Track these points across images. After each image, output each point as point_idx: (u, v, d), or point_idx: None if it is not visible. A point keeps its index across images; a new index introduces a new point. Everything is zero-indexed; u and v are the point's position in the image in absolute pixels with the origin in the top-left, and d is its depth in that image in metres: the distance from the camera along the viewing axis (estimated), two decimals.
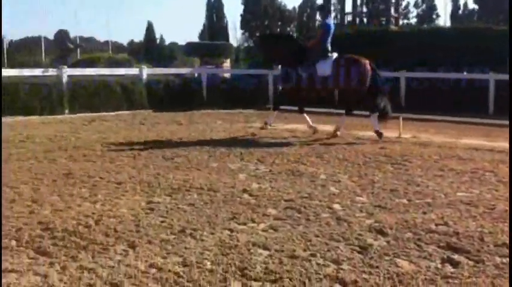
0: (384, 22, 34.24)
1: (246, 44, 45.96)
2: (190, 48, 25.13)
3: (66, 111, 12.94)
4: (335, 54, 9.67)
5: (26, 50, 30.00)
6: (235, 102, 14.90)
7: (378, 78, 9.71)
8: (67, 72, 13.69)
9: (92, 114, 13.02)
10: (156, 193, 5.38)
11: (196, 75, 17.43)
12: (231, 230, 4.20)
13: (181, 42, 39.13)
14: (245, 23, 47.39)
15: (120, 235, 4.05)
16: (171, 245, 3.82)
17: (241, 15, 47.52)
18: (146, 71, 15.16)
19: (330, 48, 9.71)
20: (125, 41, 46.61)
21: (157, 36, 45.79)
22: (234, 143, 8.66)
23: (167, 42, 46.96)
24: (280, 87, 11.35)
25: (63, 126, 10.85)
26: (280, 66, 11.07)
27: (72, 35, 28.73)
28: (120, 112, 13.60)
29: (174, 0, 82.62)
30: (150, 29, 44.00)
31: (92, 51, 30.73)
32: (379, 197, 5.33)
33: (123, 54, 31.10)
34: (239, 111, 14.37)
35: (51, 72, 13.85)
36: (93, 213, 4.64)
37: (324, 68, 9.52)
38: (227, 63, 23.21)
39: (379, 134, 9.39)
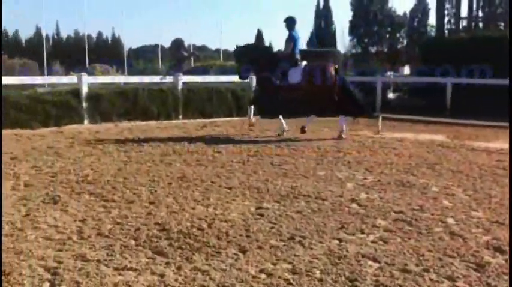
0: (501, 27, 32.23)
1: (353, 51, 45.34)
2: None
3: (180, 116, 13.55)
4: (304, 63, 10.84)
5: (143, 58, 31.87)
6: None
7: (346, 82, 10.88)
8: (182, 79, 14.35)
9: (203, 120, 13.54)
10: (265, 199, 5.49)
11: None
12: (340, 240, 4.19)
13: None
14: (353, 29, 46.78)
15: (231, 238, 4.19)
16: (280, 252, 3.89)
17: (350, 21, 46.99)
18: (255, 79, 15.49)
19: (298, 57, 10.78)
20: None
21: (266, 43, 46.63)
22: (340, 151, 8.61)
23: (275, 49, 47.68)
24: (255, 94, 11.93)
25: (178, 131, 11.37)
26: (254, 75, 11.84)
27: (186, 43, 30.09)
28: (230, 118, 14.01)
29: (284, 9, 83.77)
30: (259, 36, 44.92)
31: (204, 59, 31.95)
32: (496, 212, 5.05)
33: (233, 62, 31.99)
34: (346, 119, 14.18)
35: (168, 79, 14.59)
36: (206, 216, 4.83)
37: (295, 75, 10.57)
38: None
39: (340, 137, 10.35)
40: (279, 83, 10.67)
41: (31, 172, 6.77)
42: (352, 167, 7.31)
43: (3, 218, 4.73)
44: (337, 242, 4.15)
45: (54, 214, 4.93)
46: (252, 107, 11.49)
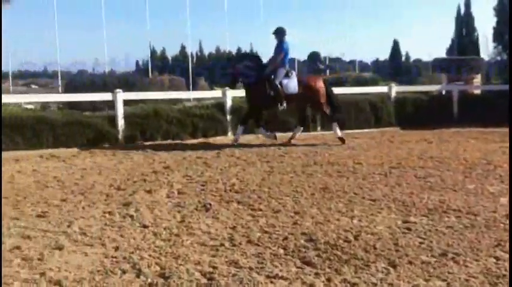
0: None
1: (498, 58, 42.36)
2: (438, 64, 24.25)
3: (319, 128, 13.61)
4: (294, 73, 11.51)
5: None
6: (487, 120, 13.84)
7: (332, 93, 11.59)
8: None
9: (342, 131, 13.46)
10: (411, 213, 5.35)
11: (444, 92, 16.74)
12: (497, 258, 3.95)
13: (425, 58, 38.02)
14: (498, 36, 43.71)
15: (379, 252, 4.14)
16: (432, 268, 3.77)
17: (493, 27, 44.01)
18: (395, 89, 15.14)
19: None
20: (368, 60, 47.18)
21: (403, 53, 45.31)
22: (490, 164, 8.09)
23: (412, 59, 46.12)
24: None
25: (316, 142, 11.44)
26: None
27: (322, 55, 30.24)
28: (368, 130, 13.80)
29: (422, 18, 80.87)
30: (395, 47, 43.77)
31: (339, 70, 31.88)
32: None
33: (368, 72, 31.58)
34: (492, 131, 13.33)
35: None
36: (351, 228, 4.82)
37: (290, 86, 10.99)
38: (477, 79, 21.72)
39: (343, 140, 11.08)
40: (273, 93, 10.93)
41: (183, 181, 7.24)
42: (505, 181, 6.85)
43: (161, 224, 5.13)
44: (494, 260, 3.92)
45: (206, 220, 5.23)
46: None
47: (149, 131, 11.32)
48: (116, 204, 5.95)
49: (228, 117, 12.36)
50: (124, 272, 3.92)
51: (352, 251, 4.17)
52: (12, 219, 5.35)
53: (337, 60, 41.09)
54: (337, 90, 14.46)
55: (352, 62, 38.24)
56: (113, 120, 10.95)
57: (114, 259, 4.18)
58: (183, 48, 44.38)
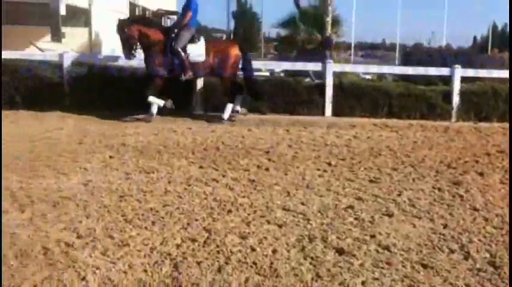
0: None
1: None
2: None
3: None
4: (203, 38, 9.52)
5: None
6: None
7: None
8: None
9: None
10: None
11: None
12: None
13: None
14: None
15: None
16: None
17: None
18: None
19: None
20: None
21: None
22: None
23: None
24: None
25: None
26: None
27: None
28: None
29: None
30: None
31: None
32: None
33: None
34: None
35: None
36: None
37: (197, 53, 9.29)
38: None
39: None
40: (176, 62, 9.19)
41: None
42: None
43: (493, 209, 4.84)
44: None
45: None
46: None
47: (485, 110, 10.67)
48: (445, 181, 5.86)
49: None
50: (452, 251, 3.87)
51: None
52: (347, 180, 5.80)
53: None
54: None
55: None
56: (447, 95, 10.67)
57: (442, 237, 4.16)
58: None
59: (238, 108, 9.79)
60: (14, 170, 5.77)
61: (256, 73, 11.06)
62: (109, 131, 8.23)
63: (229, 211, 4.65)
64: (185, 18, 9.37)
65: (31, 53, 12.20)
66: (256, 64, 10.70)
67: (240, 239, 4.01)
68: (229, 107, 9.54)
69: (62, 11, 15.11)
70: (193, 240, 3.96)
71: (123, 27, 9.35)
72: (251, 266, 3.55)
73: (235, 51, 9.58)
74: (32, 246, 3.79)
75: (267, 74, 13.20)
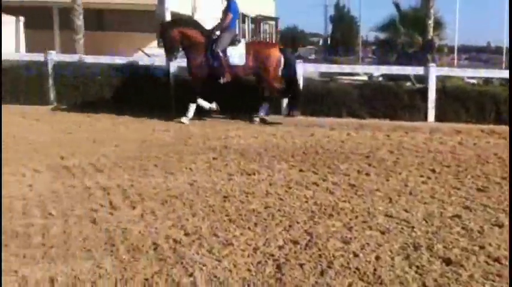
0: None
1: None
2: None
3: None
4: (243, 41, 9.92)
5: None
6: None
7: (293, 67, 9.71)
8: None
9: None
10: None
11: None
12: None
13: None
14: None
15: None
16: None
17: None
18: None
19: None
20: None
21: None
22: None
23: None
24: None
25: None
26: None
27: None
28: None
29: None
30: None
31: None
32: None
33: None
34: None
35: None
36: None
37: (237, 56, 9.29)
38: None
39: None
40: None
41: None
42: None
43: None
44: None
45: None
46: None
47: None
48: None
49: None
50: None
51: None
52: (452, 188, 5.58)
53: None
54: None
55: None
56: None
57: None
58: None
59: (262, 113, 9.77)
60: (125, 169, 6.13)
61: (354, 77, 10.96)
62: (212, 134, 8.51)
63: (331, 215, 4.65)
64: (226, 20, 9.41)
65: (138, 58, 12.85)
66: (355, 69, 10.59)
67: (342, 243, 4.00)
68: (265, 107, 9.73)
69: (167, 18, 15.84)
70: (295, 242, 4.00)
71: (165, 29, 9.65)
72: (354, 272, 3.53)
73: (275, 53, 9.52)
74: (143, 241, 4.00)
75: (365, 78, 12.99)
